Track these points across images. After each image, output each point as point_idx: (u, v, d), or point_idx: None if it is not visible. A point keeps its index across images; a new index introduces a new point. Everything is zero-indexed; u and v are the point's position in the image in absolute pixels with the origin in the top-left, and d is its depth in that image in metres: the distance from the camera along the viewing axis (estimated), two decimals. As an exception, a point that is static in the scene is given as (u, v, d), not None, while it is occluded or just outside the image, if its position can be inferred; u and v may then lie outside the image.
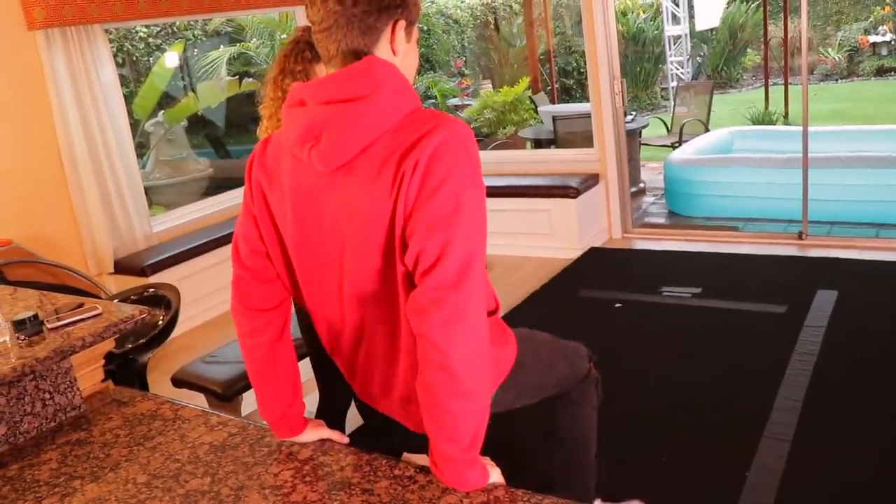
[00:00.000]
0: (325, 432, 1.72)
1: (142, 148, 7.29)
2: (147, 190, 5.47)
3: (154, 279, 4.69)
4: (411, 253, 1.33)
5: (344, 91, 1.35)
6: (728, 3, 13.58)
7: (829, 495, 2.56)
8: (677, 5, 12.79)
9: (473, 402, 1.35)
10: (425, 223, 1.30)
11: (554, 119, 7.18)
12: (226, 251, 5.21)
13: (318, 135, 1.36)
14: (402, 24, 1.42)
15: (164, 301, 2.80)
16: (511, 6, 12.58)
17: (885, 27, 13.77)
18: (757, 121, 9.43)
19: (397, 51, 1.43)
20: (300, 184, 1.46)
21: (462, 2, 12.34)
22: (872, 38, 13.77)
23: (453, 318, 1.29)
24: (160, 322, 2.65)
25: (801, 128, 5.23)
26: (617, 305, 4.31)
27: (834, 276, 4.49)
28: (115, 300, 2.88)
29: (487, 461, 1.46)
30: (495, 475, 1.46)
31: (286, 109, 1.44)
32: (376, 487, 1.51)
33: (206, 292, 5.11)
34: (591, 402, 2.15)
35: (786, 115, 9.74)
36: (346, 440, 1.71)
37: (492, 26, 12.69)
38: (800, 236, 5.24)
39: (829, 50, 14.05)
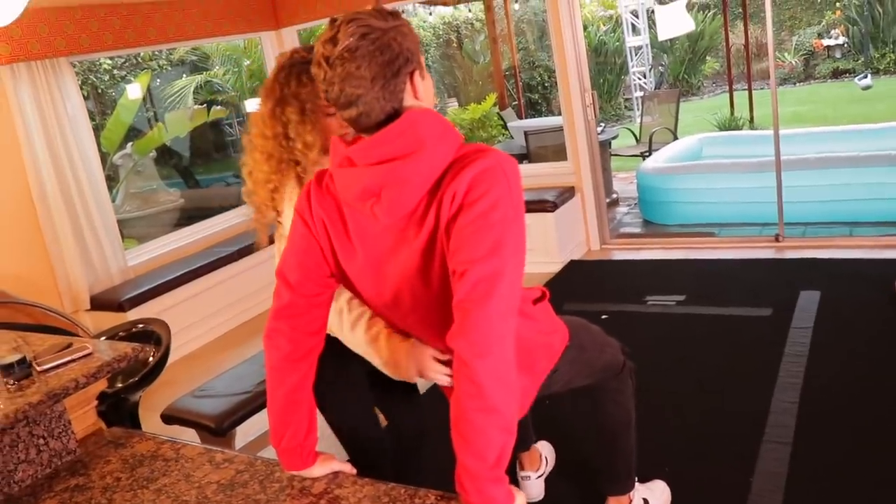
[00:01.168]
0: (336, 465, 1.68)
1: (111, 181, 7.18)
2: (118, 223, 5.37)
3: (133, 314, 4.59)
4: (450, 271, 1.43)
5: (392, 151, 1.43)
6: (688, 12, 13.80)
7: (836, 496, 2.56)
8: (637, 17, 12.97)
9: (498, 418, 1.36)
10: (458, 243, 1.40)
11: (526, 134, 7.21)
12: (202, 282, 5.16)
13: (378, 193, 1.45)
14: (416, 72, 1.48)
15: (153, 336, 2.73)
16: (473, 24, 12.67)
17: (836, 30, 14.11)
18: (723, 126, 9.56)
19: (420, 95, 1.49)
20: (366, 230, 1.56)
21: (424, 21, 12.39)
22: (826, 42, 14.10)
23: (480, 336, 1.35)
24: (151, 358, 2.58)
25: (769, 132, 5.32)
26: (603, 317, 4.30)
27: (814, 276, 4.53)
28: (103, 338, 2.80)
29: (514, 488, 1.43)
30: (521, 500, 1.43)
31: (336, 170, 1.53)
32: (399, 518, 1.47)
33: (185, 325, 5.02)
34: (629, 388, 2.40)
35: (751, 120, 9.89)
36: (354, 471, 1.66)
37: (454, 45, 12.76)
38: (776, 238, 5.30)
39: (786, 54, 14.34)
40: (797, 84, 14.07)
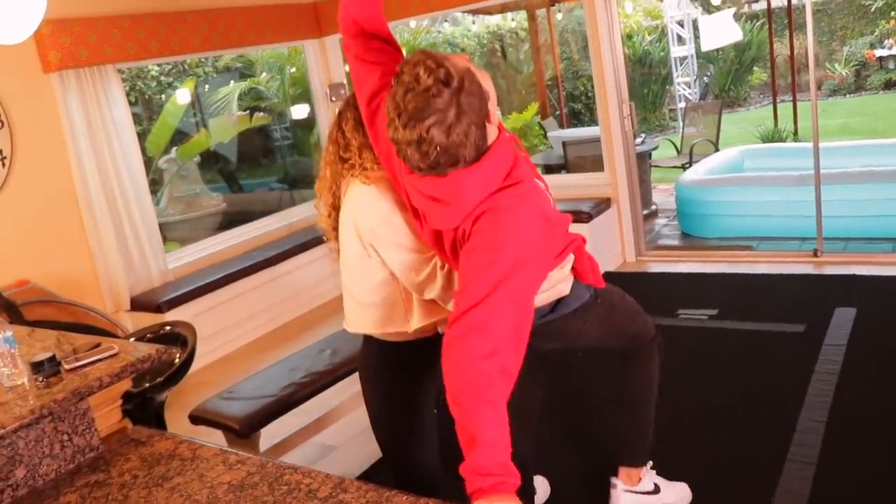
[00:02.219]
0: None
1: (155, 185, 7.36)
2: (161, 226, 5.51)
3: (170, 315, 4.71)
4: None
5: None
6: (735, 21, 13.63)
7: (857, 519, 2.51)
8: (682, 27, 12.84)
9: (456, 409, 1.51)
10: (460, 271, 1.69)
11: (564, 144, 7.20)
12: (240, 286, 5.27)
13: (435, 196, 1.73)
14: (490, 113, 1.66)
15: (180, 339, 2.81)
16: (517, 33, 12.68)
17: (890, 41, 13.77)
18: (767, 139, 9.41)
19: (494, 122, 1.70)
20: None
21: (468, 31, 12.45)
22: (879, 52, 13.77)
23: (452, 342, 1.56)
24: (177, 360, 2.66)
25: (811, 144, 5.21)
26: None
27: (851, 292, 4.45)
28: (132, 339, 2.89)
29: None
30: None
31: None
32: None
33: (221, 327, 5.13)
34: (655, 360, 2.51)
35: (795, 132, 9.71)
36: None
37: (499, 54, 12.78)
38: (815, 254, 5.20)
39: (836, 65, 14.05)
40: (847, 95, 13.77)
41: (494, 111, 1.69)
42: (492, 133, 1.70)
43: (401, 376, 2.15)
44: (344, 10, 1.90)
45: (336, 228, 2.18)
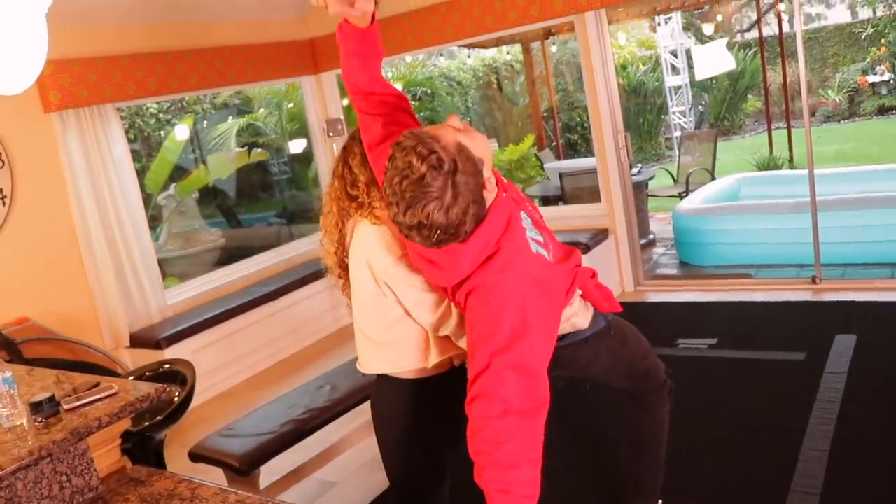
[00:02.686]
0: None
1: (155, 220, 7.39)
2: (160, 262, 5.52)
3: (169, 352, 4.70)
4: None
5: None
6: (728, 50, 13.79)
7: (862, 549, 2.49)
8: (676, 56, 12.99)
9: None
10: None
11: (560, 175, 7.24)
12: (238, 321, 5.27)
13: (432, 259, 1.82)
14: (486, 181, 1.69)
15: (179, 377, 2.80)
16: (512, 66, 12.82)
17: (882, 67, 13.92)
18: (762, 166, 9.47)
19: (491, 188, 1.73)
20: None
21: (464, 64, 12.58)
22: (871, 79, 13.91)
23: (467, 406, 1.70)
24: (176, 398, 2.65)
25: (807, 171, 5.25)
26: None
27: (851, 319, 4.45)
28: (131, 377, 2.89)
29: None
30: None
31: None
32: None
33: (221, 363, 5.12)
34: (665, 406, 2.50)
35: (791, 159, 9.78)
36: None
37: (494, 86, 12.91)
38: (814, 281, 5.21)
39: (830, 92, 14.19)
40: (842, 121, 13.88)
41: (490, 178, 1.72)
42: (489, 198, 1.73)
43: (417, 413, 2.11)
44: (345, 76, 1.97)
45: (341, 265, 2.18)
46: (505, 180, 1.92)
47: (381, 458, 2.23)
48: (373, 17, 1.84)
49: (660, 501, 2.68)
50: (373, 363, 2.13)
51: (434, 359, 2.06)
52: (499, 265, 1.73)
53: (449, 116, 1.75)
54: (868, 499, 2.75)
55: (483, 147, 1.72)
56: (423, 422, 2.11)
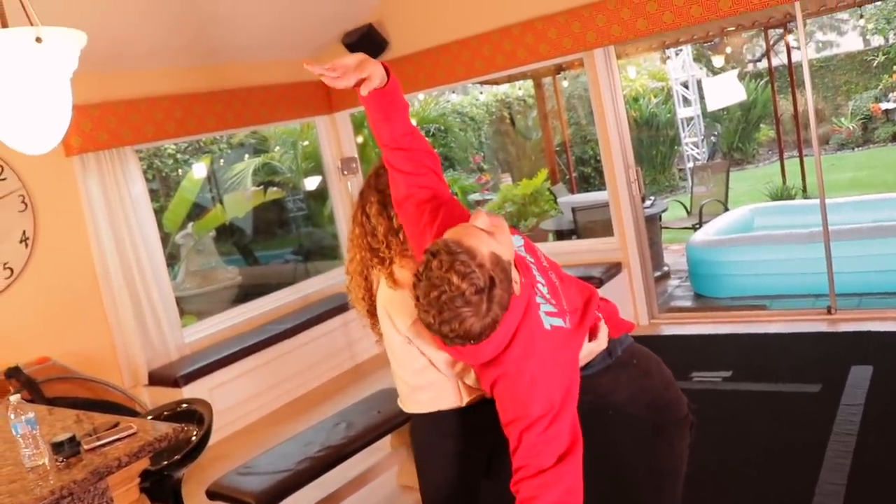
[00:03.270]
0: None
1: (172, 259, 7.49)
2: (178, 300, 5.59)
3: (187, 390, 4.75)
4: None
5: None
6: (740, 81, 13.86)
7: (880, 584, 2.47)
8: (687, 88, 13.08)
9: None
10: None
11: (573, 210, 7.29)
12: (256, 358, 5.32)
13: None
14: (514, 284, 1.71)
15: (196, 416, 2.84)
16: (525, 101, 12.95)
17: (894, 94, 13.93)
18: (775, 196, 9.47)
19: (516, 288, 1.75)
20: None
21: (476, 100, 12.73)
22: (885, 105, 13.92)
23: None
24: (194, 438, 2.69)
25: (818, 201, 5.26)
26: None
27: (867, 350, 4.43)
28: (150, 417, 2.93)
29: None
30: None
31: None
32: None
33: (238, 400, 5.16)
34: (686, 440, 2.49)
35: (804, 189, 9.78)
36: None
37: (507, 121, 13.03)
38: (829, 311, 5.19)
39: (843, 119, 14.19)
40: (856, 149, 13.87)
41: (517, 280, 1.76)
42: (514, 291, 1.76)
43: (456, 443, 2.20)
44: (373, 131, 2.00)
45: (370, 312, 2.27)
46: (521, 239, 1.97)
47: (419, 483, 2.31)
48: (388, 73, 1.87)
49: None
50: (410, 404, 2.25)
51: (466, 398, 2.17)
52: (519, 352, 1.76)
53: (475, 213, 1.74)
54: (886, 532, 2.73)
55: (509, 244, 1.73)
56: (459, 450, 2.20)
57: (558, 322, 1.85)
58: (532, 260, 1.94)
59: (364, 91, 1.82)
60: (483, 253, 1.63)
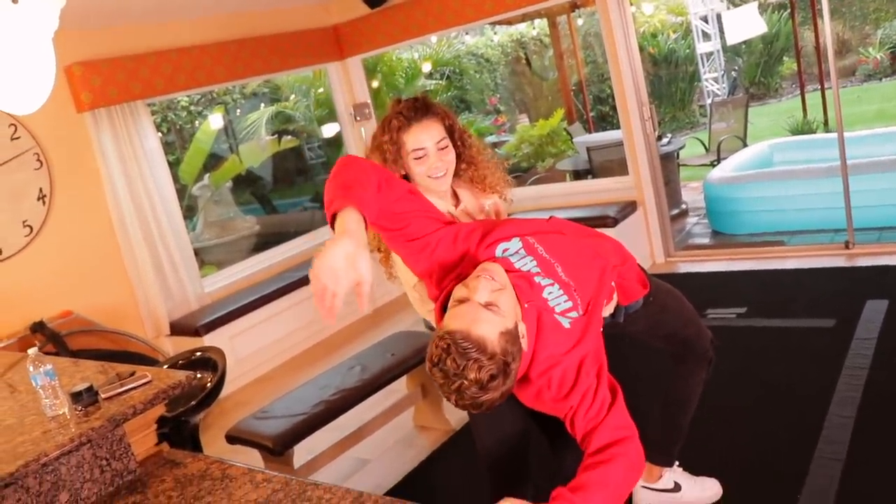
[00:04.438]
0: None
1: (190, 211, 7.56)
2: (197, 251, 5.67)
3: (208, 339, 4.85)
4: None
5: None
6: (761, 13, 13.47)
7: (885, 513, 2.51)
8: (706, 22, 12.75)
9: None
10: None
11: (588, 149, 7.22)
12: (275, 306, 5.39)
13: None
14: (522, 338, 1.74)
15: (210, 363, 2.92)
16: (541, 40, 12.72)
17: (928, 21, 13.49)
18: (796, 131, 9.29)
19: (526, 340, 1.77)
20: None
21: (491, 41, 12.52)
22: (915, 34, 13.48)
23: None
24: (208, 384, 2.76)
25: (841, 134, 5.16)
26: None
27: (884, 284, 4.40)
28: (165, 366, 3.01)
29: None
30: None
31: None
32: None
33: (258, 347, 5.27)
34: (701, 375, 2.58)
35: (825, 123, 9.58)
36: None
37: (523, 61, 12.84)
38: (847, 245, 5.15)
39: (871, 49, 13.79)
40: (883, 80, 13.49)
41: (524, 333, 1.76)
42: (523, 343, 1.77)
43: None
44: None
45: (379, 247, 2.34)
46: (518, 242, 1.94)
47: (472, 429, 2.38)
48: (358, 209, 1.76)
49: (677, 464, 2.75)
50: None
51: None
52: (543, 367, 1.79)
53: (474, 283, 1.72)
54: (893, 465, 2.75)
55: (512, 303, 1.73)
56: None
57: (575, 313, 1.86)
58: (534, 264, 1.90)
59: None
60: (493, 339, 1.64)
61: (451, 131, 2.24)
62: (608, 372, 1.85)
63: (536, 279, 1.86)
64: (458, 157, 2.27)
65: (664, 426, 2.65)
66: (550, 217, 2.16)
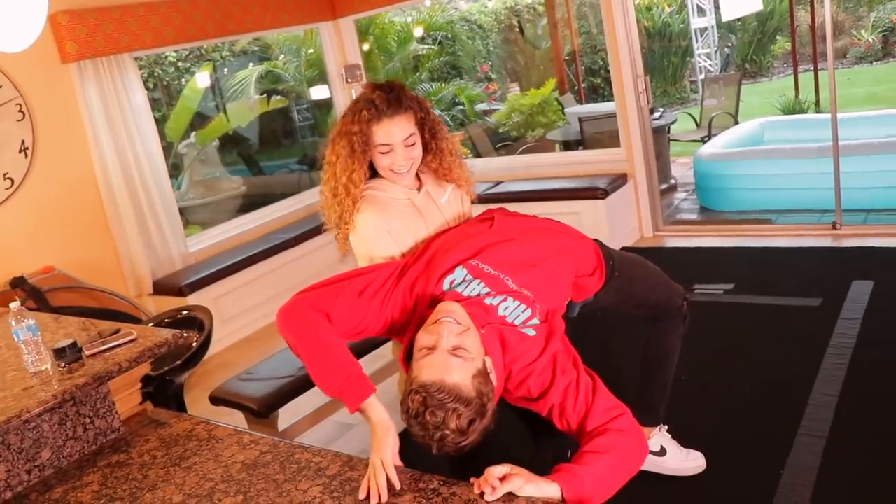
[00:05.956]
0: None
1: (176, 169, 7.45)
2: (182, 210, 5.59)
3: (191, 298, 4.80)
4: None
5: None
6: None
7: (865, 494, 2.53)
8: (702, -3, 12.68)
9: None
10: None
11: (580, 120, 7.18)
12: (260, 267, 5.34)
13: None
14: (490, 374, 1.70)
15: (197, 323, 2.88)
16: (535, 8, 12.58)
17: (921, 5, 13.46)
18: (787, 110, 9.29)
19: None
20: None
21: (485, 7, 12.37)
22: (907, 18, 13.46)
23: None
24: (194, 344, 2.73)
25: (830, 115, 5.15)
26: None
27: (870, 265, 4.42)
28: (151, 324, 2.97)
29: None
30: None
31: None
32: (400, 501, 1.55)
33: (242, 309, 5.22)
34: (677, 332, 2.64)
35: (817, 103, 9.57)
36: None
37: (516, 29, 12.70)
38: (834, 226, 5.17)
39: (863, 31, 13.77)
40: (874, 63, 13.49)
41: (491, 368, 1.72)
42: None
43: None
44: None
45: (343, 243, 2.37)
46: (462, 270, 1.90)
47: None
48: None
49: (666, 428, 2.77)
50: None
51: None
52: (519, 379, 1.80)
53: (440, 328, 1.68)
54: (874, 443, 2.78)
55: (477, 343, 1.70)
56: None
57: (536, 319, 1.84)
58: (482, 286, 1.85)
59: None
60: (467, 385, 1.61)
61: (421, 124, 2.20)
62: (582, 362, 1.85)
63: (487, 301, 1.82)
64: (426, 147, 2.24)
65: (647, 384, 2.70)
66: (493, 217, 2.13)
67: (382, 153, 2.15)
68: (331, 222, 2.29)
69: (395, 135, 2.14)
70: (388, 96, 2.14)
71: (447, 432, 1.58)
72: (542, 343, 1.81)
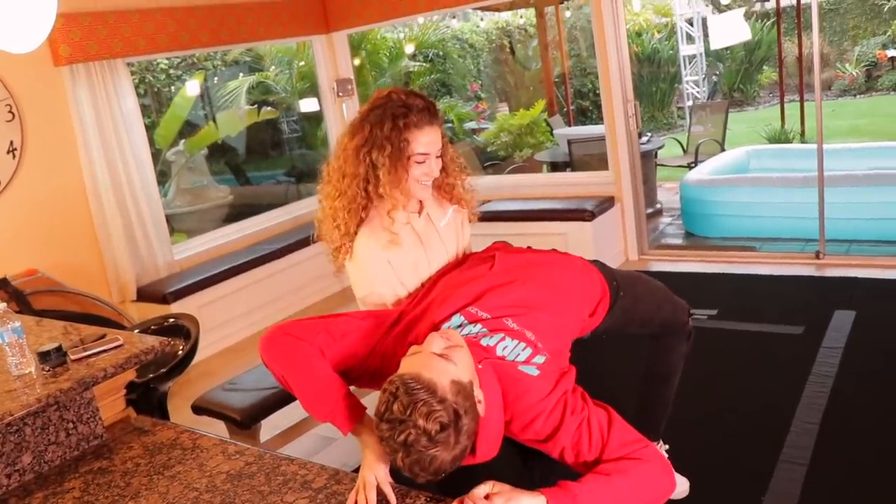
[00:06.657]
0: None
1: (163, 176, 7.42)
2: (169, 217, 5.56)
3: (175, 306, 4.77)
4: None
5: None
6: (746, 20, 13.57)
7: (845, 519, 2.55)
8: (692, 25, 12.84)
9: None
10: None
11: (569, 142, 7.23)
12: (245, 278, 5.32)
13: None
14: (478, 403, 1.62)
15: (183, 331, 2.86)
16: (526, 30, 12.69)
17: (902, 41, 13.71)
18: (773, 139, 9.39)
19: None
20: None
21: (477, 27, 12.46)
22: (891, 53, 13.70)
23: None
24: (180, 352, 2.71)
25: (816, 145, 5.23)
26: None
27: (852, 295, 4.47)
28: (136, 330, 2.95)
29: None
30: None
31: None
32: (387, 515, 1.54)
33: (226, 318, 5.20)
34: (682, 349, 2.61)
35: (802, 133, 9.70)
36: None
37: (507, 50, 12.80)
38: (817, 256, 5.22)
39: (847, 65, 13.99)
40: (858, 96, 13.71)
41: (481, 399, 1.64)
42: (481, 410, 1.64)
43: None
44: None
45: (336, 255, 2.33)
46: (459, 317, 1.86)
47: None
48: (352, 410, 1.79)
49: (666, 448, 2.76)
50: None
51: None
52: (525, 421, 1.70)
53: (429, 338, 1.65)
54: (854, 471, 2.80)
55: (468, 360, 1.63)
56: None
57: (540, 358, 1.77)
58: (479, 328, 1.81)
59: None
60: (444, 385, 1.52)
61: (443, 139, 2.15)
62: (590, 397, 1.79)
63: (483, 341, 1.77)
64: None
65: (648, 401, 2.67)
66: (494, 256, 2.08)
67: (419, 162, 2.06)
68: (330, 239, 2.24)
69: (433, 145, 2.07)
70: (427, 106, 2.06)
71: (412, 433, 1.46)
72: (547, 383, 1.73)
